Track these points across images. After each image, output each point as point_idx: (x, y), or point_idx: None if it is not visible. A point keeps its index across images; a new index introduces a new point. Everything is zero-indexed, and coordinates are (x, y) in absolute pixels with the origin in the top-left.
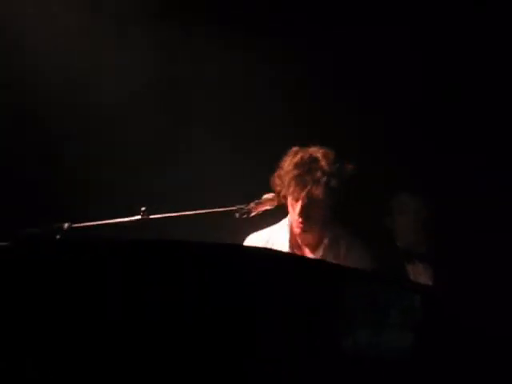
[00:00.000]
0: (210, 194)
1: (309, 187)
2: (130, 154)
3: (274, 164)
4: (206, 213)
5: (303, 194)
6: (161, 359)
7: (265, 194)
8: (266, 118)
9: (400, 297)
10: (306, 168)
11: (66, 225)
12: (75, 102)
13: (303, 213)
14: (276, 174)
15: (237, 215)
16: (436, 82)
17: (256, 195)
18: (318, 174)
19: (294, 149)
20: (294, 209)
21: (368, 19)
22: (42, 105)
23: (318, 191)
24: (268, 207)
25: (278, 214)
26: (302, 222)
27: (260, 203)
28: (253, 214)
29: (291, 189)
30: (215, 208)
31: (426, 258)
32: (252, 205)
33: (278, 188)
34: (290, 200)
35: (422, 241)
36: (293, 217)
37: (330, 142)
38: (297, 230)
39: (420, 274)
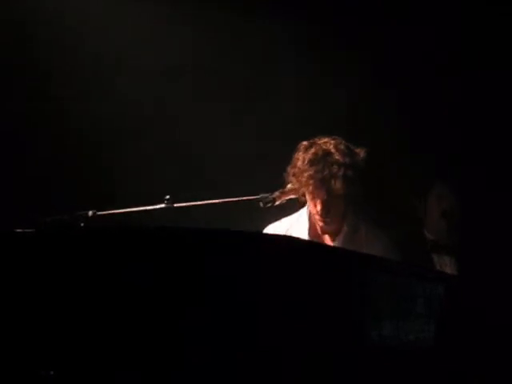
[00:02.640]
0: (235, 183)
1: (328, 183)
2: (156, 142)
3: None
4: (230, 201)
5: (323, 191)
6: (164, 347)
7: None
8: (292, 107)
9: (423, 286)
10: (322, 164)
11: (91, 212)
12: (104, 89)
13: (324, 209)
14: (290, 172)
15: (261, 204)
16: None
17: (281, 184)
18: (335, 168)
19: (304, 143)
20: (315, 205)
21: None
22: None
23: (338, 185)
24: (292, 196)
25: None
26: (323, 217)
27: (284, 192)
28: (277, 202)
29: (310, 188)
30: (240, 197)
31: (453, 250)
32: (276, 194)
33: (295, 186)
34: (308, 196)
35: (446, 230)
36: (313, 211)
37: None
38: (319, 223)
39: (446, 266)
